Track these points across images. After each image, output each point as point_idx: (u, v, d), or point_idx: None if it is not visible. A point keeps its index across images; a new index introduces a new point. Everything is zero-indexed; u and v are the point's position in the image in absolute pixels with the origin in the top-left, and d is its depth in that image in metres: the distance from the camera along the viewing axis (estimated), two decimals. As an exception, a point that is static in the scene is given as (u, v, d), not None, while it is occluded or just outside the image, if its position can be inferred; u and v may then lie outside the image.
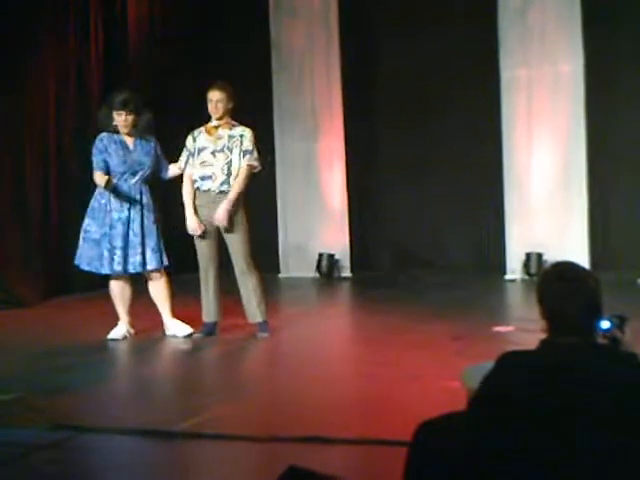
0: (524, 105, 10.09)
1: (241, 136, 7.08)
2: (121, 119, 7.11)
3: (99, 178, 6.99)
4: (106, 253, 7.03)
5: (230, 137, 7.08)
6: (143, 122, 7.18)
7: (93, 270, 7.16)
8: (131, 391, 6.02)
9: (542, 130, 10.06)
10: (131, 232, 7.06)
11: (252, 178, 7.15)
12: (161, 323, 7.31)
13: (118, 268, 7.05)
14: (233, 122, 7.14)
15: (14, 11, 8.91)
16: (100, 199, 7.10)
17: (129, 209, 7.07)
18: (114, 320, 7.25)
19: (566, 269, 2.82)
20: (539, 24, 10.01)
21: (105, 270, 7.10)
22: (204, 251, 7.16)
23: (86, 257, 7.12)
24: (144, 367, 6.71)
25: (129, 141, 7.18)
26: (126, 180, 7.12)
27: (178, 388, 6.00)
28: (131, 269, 7.10)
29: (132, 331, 7.27)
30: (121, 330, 7.22)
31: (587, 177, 9.92)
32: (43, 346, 7.04)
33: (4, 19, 8.80)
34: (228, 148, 7.07)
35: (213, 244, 7.14)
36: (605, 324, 2.92)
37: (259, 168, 7.16)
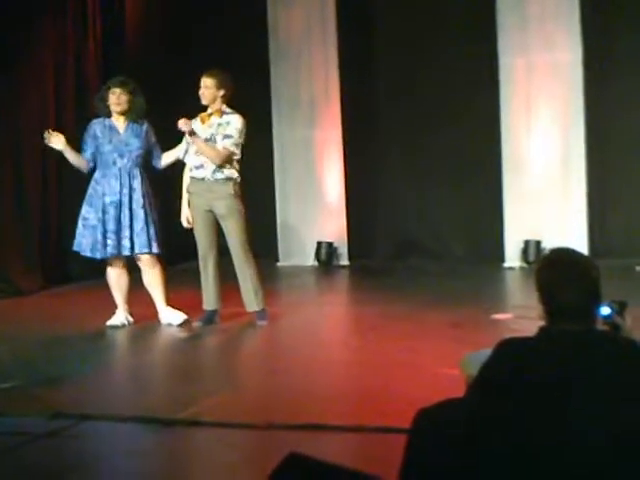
0: (523, 93, 10.07)
1: (228, 123, 7.06)
2: (114, 97, 7.14)
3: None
4: (100, 237, 7.06)
5: (219, 125, 7.06)
6: (136, 105, 7.19)
7: (92, 256, 7.16)
8: (130, 379, 6.04)
9: (540, 118, 10.05)
10: (122, 215, 7.09)
11: (239, 167, 7.13)
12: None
13: (113, 251, 7.08)
14: (226, 110, 7.10)
15: (11, 3, 8.87)
16: (95, 185, 7.15)
17: (120, 192, 7.11)
18: (112, 308, 7.26)
19: (565, 255, 2.82)
20: (538, 12, 9.98)
21: (101, 254, 7.11)
22: (202, 239, 7.16)
23: (86, 244, 7.13)
24: (143, 355, 6.72)
25: (120, 125, 7.21)
26: (115, 162, 7.14)
27: (177, 376, 6.01)
28: (124, 252, 7.11)
29: (131, 319, 7.28)
30: (119, 318, 7.23)
31: (586, 164, 9.91)
32: (42, 335, 7.05)
33: (1, 12, 8.76)
34: (215, 136, 7.05)
35: (211, 232, 7.14)
36: (605, 310, 2.92)
37: (238, 156, 7.10)
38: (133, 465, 4.23)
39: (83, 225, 7.15)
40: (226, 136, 7.04)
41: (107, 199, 7.08)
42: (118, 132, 7.19)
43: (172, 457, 4.32)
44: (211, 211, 7.10)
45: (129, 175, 7.15)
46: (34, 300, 8.72)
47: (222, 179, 7.05)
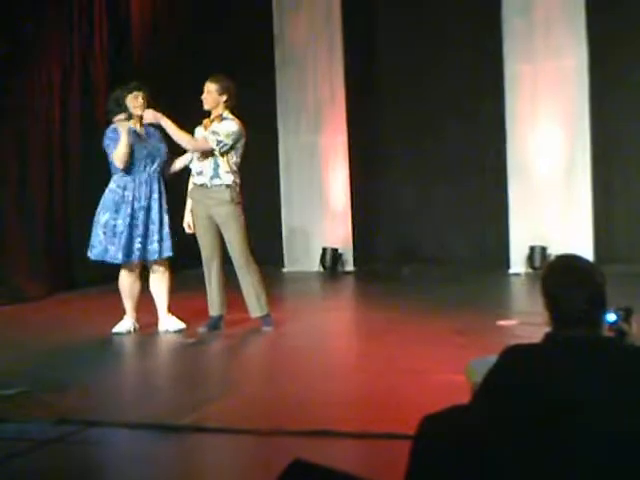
0: (528, 100, 10.08)
1: (225, 127, 7.04)
2: (138, 100, 7.09)
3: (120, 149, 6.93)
4: (125, 242, 7.00)
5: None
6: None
7: (118, 262, 7.08)
8: (136, 385, 6.04)
9: (546, 124, 10.06)
10: (150, 220, 7.08)
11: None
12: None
13: (144, 255, 7.07)
14: (227, 116, 7.06)
15: (19, 6, 8.90)
16: (122, 191, 7.05)
17: (149, 198, 7.09)
18: (118, 314, 7.26)
19: (570, 261, 2.82)
20: (543, 18, 9.99)
21: (127, 259, 7.03)
22: (205, 245, 7.16)
23: (115, 250, 7.02)
24: (149, 361, 6.73)
25: (139, 129, 7.17)
26: (145, 168, 7.11)
27: (183, 382, 6.01)
28: (149, 257, 7.11)
29: (137, 325, 7.28)
30: (126, 324, 7.23)
31: (591, 170, 9.91)
32: (48, 341, 7.06)
33: (9, 15, 8.79)
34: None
35: (213, 238, 7.13)
36: (611, 317, 2.92)
37: (217, 151, 6.96)
38: (138, 471, 4.23)
39: (104, 232, 7.04)
40: (213, 132, 7.00)
41: (136, 204, 7.04)
42: (142, 137, 7.16)
43: (177, 463, 4.31)
44: (211, 217, 7.10)
45: (157, 180, 7.15)
46: (40, 306, 8.73)
47: (219, 185, 7.02)
